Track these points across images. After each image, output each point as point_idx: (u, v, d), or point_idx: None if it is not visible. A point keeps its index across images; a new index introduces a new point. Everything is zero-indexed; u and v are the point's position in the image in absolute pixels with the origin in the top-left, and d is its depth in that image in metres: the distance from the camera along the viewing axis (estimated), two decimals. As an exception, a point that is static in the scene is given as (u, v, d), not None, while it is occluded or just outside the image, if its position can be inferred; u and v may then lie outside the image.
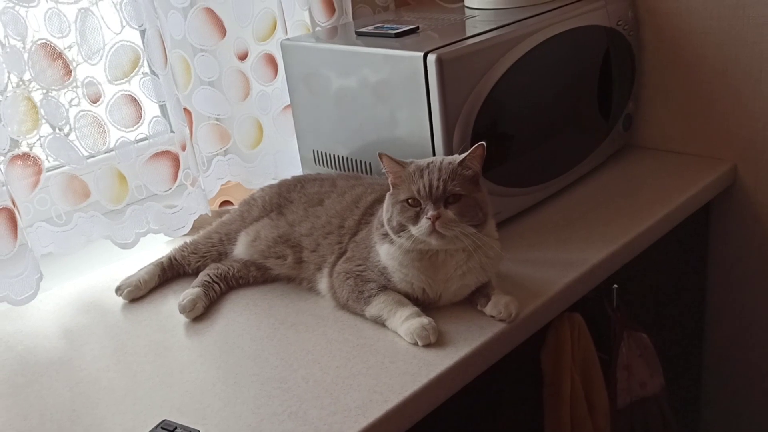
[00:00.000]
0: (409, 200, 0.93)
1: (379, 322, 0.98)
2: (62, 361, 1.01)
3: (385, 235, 0.97)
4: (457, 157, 0.95)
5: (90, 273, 1.25)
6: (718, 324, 1.48)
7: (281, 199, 1.17)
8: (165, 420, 0.82)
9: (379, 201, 1.04)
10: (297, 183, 1.20)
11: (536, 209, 1.26)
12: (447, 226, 0.91)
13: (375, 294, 0.98)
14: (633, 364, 1.14)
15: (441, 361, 0.90)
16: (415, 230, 0.92)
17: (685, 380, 1.49)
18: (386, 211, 0.96)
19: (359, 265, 1.00)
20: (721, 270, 1.44)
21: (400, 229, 0.94)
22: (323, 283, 1.05)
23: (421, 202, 0.92)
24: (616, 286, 1.15)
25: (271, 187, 1.22)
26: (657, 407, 1.17)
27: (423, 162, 0.95)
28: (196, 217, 1.28)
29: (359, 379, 0.88)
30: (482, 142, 0.93)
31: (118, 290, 1.14)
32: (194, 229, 1.28)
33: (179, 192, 1.26)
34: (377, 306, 0.98)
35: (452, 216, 0.91)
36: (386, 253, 0.98)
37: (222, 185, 1.41)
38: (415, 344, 0.93)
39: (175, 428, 0.79)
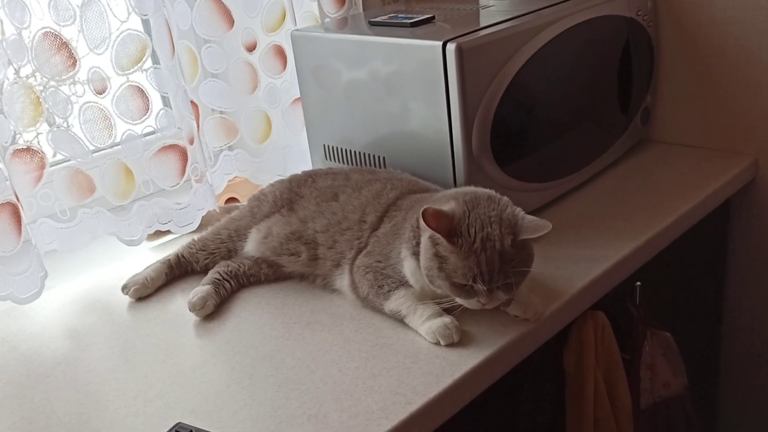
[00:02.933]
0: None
1: (398, 318, 0.94)
2: (68, 362, 0.97)
3: (417, 248, 0.91)
4: (518, 231, 0.85)
5: (95, 271, 1.21)
6: (737, 321, 1.45)
7: (292, 194, 1.14)
8: (179, 423, 0.78)
9: (402, 198, 1.01)
10: (308, 178, 1.16)
11: (555, 205, 1.23)
12: (495, 304, 0.87)
13: (395, 288, 0.95)
14: (656, 363, 1.10)
15: (465, 361, 0.86)
16: (461, 301, 0.87)
17: (703, 379, 1.46)
18: (427, 267, 0.87)
19: (379, 261, 0.97)
20: (741, 266, 1.41)
21: (439, 288, 0.88)
22: (344, 280, 1.01)
23: (474, 285, 0.85)
24: (639, 283, 1.12)
25: (281, 182, 1.19)
26: (680, 407, 1.14)
27: (477, 236, 0.84)
28: (204, 213, 1.25)
29: (380, 380, 0.85)
30: (549, 224, 0.86)
31: (125, 288, 1.10)
32: (201, 225, 1.24)
33: (186, 187, 1.22)
34: (397, 301, 0.94)
35: (503, 296, 0.87)
36: (412, 271, 0.93)
37: (228, 181, 1.38)
38: (437, 344, 0.89)
39: (191, 431, 0.76)
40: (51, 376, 0.94)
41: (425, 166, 1.12)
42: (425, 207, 0.85)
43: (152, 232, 1.21)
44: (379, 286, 0.95)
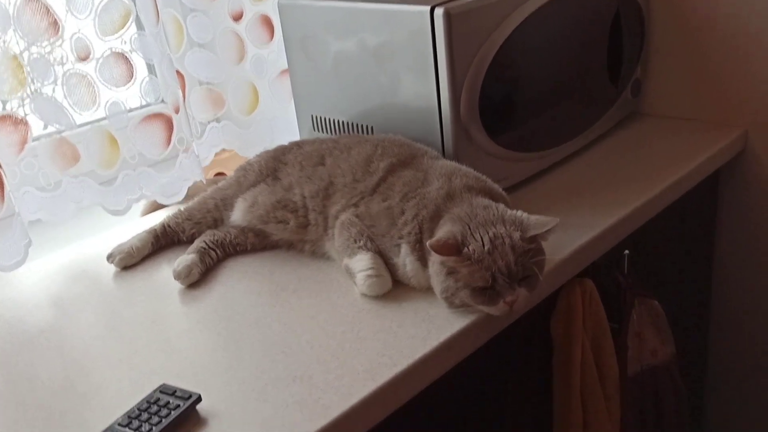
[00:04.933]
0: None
1: (350, 276, 0.95)
2: (53, 329, 0.96)
3: (421, 252, 0.90)
4: (526, 228, 0.85)
5: (81, 241, 1.20)
6: (725, 291, 1.45)
7: (276, 162, 1.12)
8: (164, 384, 0.77)
9: (393, 173, 0.99)
10: (294, 146, 1.16)
11: (544, 176, 1.22)
12: (522, 304, 0.86)
13: (365, 251, 0.94)
14: (644, 331, 1.10)
15: (451, 325, 0.86)
16: (487, 309, 0.85)
17: (690, 347, 1.46)
18: (445, 288, 0.86)
19: (371, 227, 0.96)
20: (729, 237, 1.41)
21: (463, 305, 0.87)
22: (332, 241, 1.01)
23: (495, 285, 0.84)
24: (627, 252, 1.11)
25: (267, 151, 1.18)
26: (668, 375, 1.14)
27: (485, 238, 0.84)
28: (190, 183, 1.24)
29: (366, 343, 0.85)
30: (556, 219, 0.86)
31: (110, 257, 1.09)
32: (188, 197, 1.23)
33: (172, 158, 1.21)
34: (358, 262, 0.94)
35: (527, 295, 0.86)
36: (415, 273, 0.92)
37: (216, 154, 1.36)
38: (371, 296, 0.92)
39: (175, 392, 0.75)
40: (35, 343, 0.93)
41: (414, 135, 1.11)
42: (429, 244, 0.84)
43: (138, 201, 1.20)
44: (354, 240, 0.95)
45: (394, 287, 0.94)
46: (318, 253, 1.04)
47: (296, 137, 1.32)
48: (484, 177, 0.98)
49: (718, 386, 1.53)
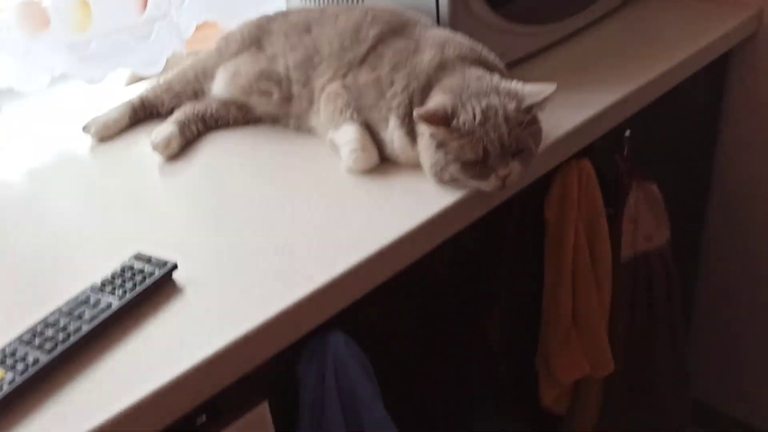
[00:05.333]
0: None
1: (335, 150, 0.91)
2: (25, 201, 0.93)
3: (410, 125, 0.85)
4: (521, 98, 0.80)
5: (55, 114, 1.14)
6: (726, 178, 1.41)
7: (261, 31, 1.05)
8: (139, 252, 0.74)
9: (383, 41, 0.93)
10: (280, 15, 1.08)
11: (547, 52, 1.16)
12: (515, 179, 0.80)
13: (350, 123, 0.89)
14: (640, 216, 1.08)
15: (440, 199, 0.82)
16: (478, 185, 0.80)
17: (686, 234, 1.44)
18: (434, 163, 0.81)
19: (357, 100, 0.90)
20: (735, 123, 1.36)
21: (453, 180, 0.82)
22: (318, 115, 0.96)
23: (487, 159, 0.79)
24: (628, 132, 1.07)
25: (250, 20, 1.10)
26: (661, 262, 1.12)
27: (476, 109, 0.79)
28: (169, 54, 1.16)
29: (351, 217, 0.81)
30: (553, 85, 0.81)
31: (86, 128, 1.04)
32: (168, 69, 1.16)
33: (150, 25, 1.13)
34: (342, 135, 0.89)
35: (521, 169, 0.80)
36: (402, 144, 0.87)
37: (198, 29, 1.28)
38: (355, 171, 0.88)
39: (150, 259, 0.72)
40: (6, 213, 0.90)
41: (407, 4, 1.03)
42: (417, 113, 0.79)
43: (114, 70, 1.13)
44: (340, 112, 0.90)
45: (381, 163, 0.90)
46: (303, 128, 0.99)
47: (283, 8, 1.24)
48: (479, 46, 0.92)
49: (712, 272, 1.52)
